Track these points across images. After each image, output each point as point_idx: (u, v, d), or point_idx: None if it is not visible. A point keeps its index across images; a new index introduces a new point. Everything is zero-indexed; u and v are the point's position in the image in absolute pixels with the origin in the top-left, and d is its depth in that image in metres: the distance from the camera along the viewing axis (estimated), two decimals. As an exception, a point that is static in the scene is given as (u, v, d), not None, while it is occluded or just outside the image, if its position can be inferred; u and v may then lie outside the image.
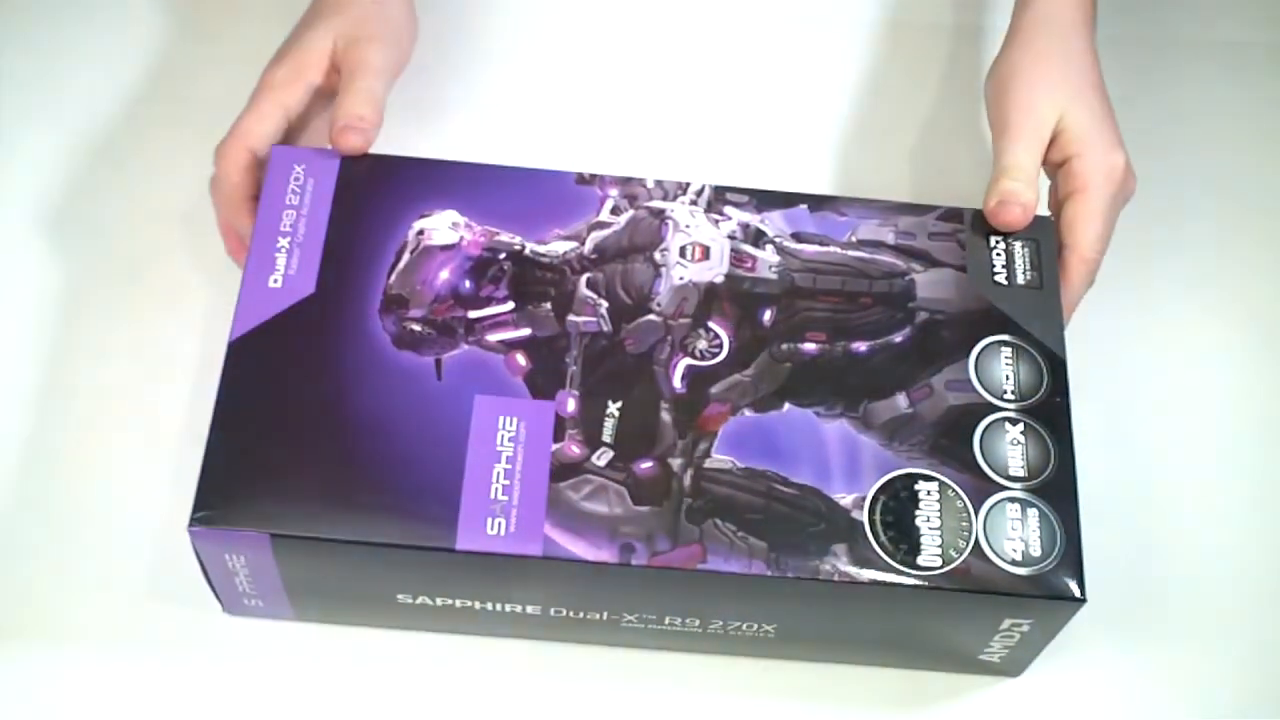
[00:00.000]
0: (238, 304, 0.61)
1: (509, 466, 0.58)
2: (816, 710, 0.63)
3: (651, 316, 0.62)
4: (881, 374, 0.62)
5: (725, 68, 0.80)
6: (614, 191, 0.65)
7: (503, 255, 0.63)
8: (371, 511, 0.57)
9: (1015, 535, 0.58)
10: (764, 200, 0.65)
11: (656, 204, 0.65)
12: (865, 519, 0.58)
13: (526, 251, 0.63)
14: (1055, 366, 0.62)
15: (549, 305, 0.62)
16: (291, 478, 0.57)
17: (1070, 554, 0.58)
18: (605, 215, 0.65)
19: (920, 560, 0.58)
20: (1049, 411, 0.61)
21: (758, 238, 0.64)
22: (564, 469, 0.58)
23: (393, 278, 0.62)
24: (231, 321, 0.60)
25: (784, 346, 0.62)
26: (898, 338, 0.63)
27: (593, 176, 0.66)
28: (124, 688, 0.62)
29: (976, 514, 0.59)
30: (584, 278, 0.63)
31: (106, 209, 0.73)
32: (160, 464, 0.66)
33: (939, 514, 0.59)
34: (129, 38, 0.78)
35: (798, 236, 0.65)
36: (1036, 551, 0.58)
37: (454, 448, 0.58)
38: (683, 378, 0.61)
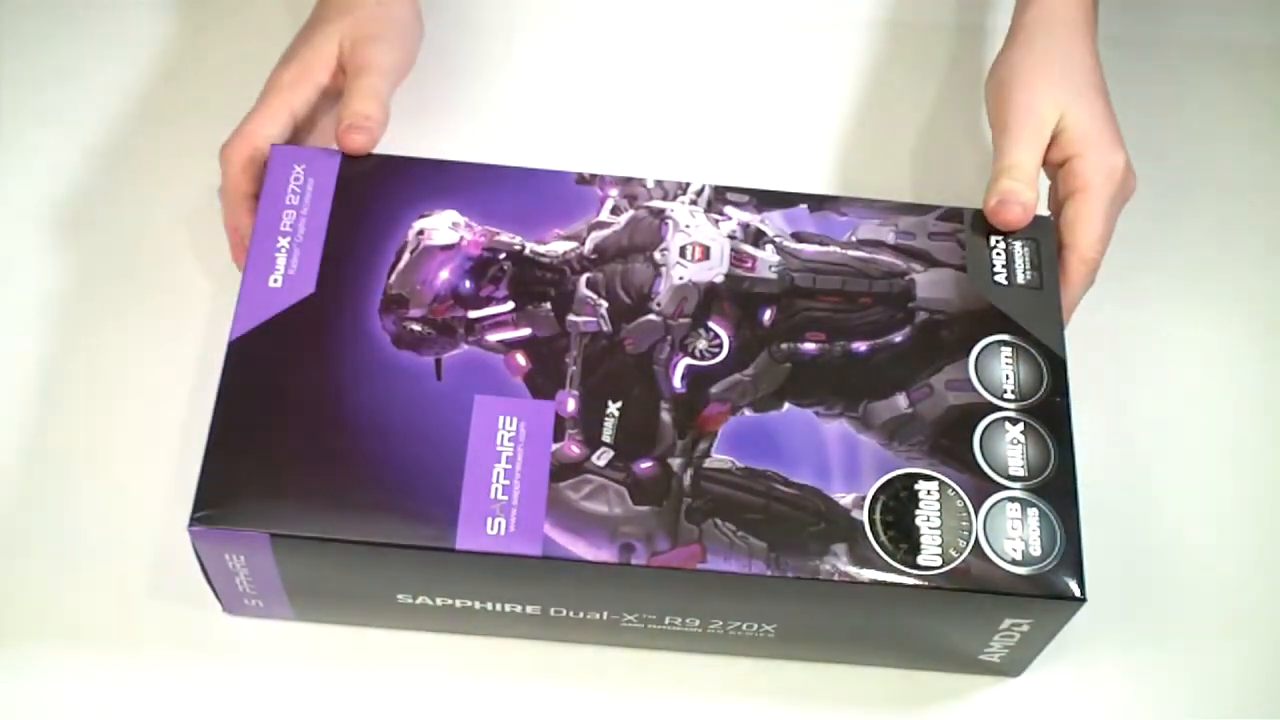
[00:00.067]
0: (238, 304, 0.61)
1: (509, 466, 0.58)
2: (816, 710, 0.63)
3: (651, 316, 0.62)
4: (881, 374, 0.62)
5: (725, 68, 0.80)
6: (614, 191, 0.65)
7: (503, 255, 0.63)
8: (371, 511, 0.57)
9: (1015, 535, 0.58)
10: (764, 200, 0.65)
11: (656, 204, 0.65)
12: (865, 519, 0.58)
13: (526, 251, 0.63)
14: (1055, 366, 0.62)
15: (549, 305, 0.62)
16: (291, 477, 0.57)
17: (1070, 554, 0.58)
18: (605, 215, 0.65)
19: (920, 560, 0.58)
20: (1049, 411, 0.61)
21: (758, 238, 0.64)
22: (564, 469, 0.58)
23: (393, 277, 0.62)
24: (231, 321, 0.60)
25: (784, 346, 0.62)
26: (898, 337, 0.63)
27: (593, 176, 0.66)
28: (124, 687, 0.62)
29: (976, 514, 0.59)
30: (584, 278, 0.63)
31: (109, 209, 0.73)
32: (160, 464, 0.66)
33: (939, 514, 0.59)
34: (133, 38, 0.78)
35: (798, 236, 0.65)
36: (1036, 551, 0.58)
37: (454, 448, 0.58)
38: (682, 377, 0.61)
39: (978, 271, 0.64)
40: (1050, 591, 0.57)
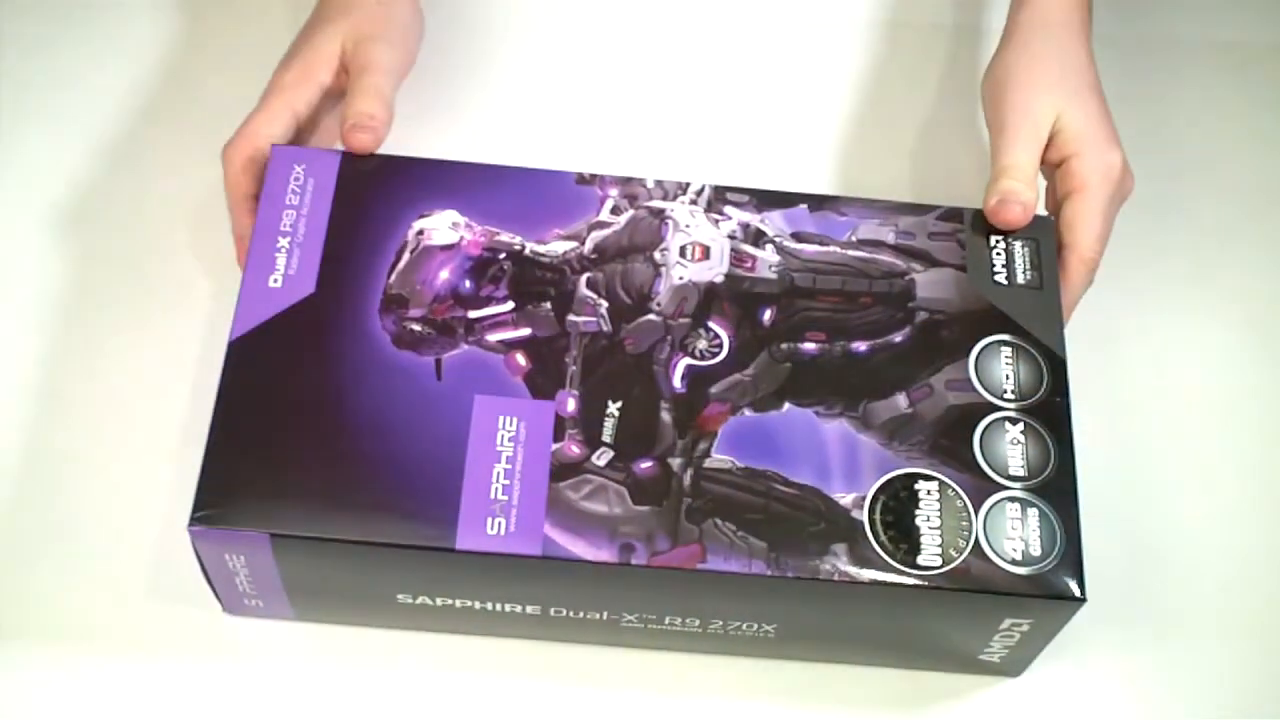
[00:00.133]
0: (238, 304, 0.61)
1: (509, 466, 0.58)
2: (816, 710, 0.63)
3: (651, 316, 0.62)
4: (881, 374, 0.62)
5: (725, 68, 0.80)
6: (614, 191, 0.65)
7: (502, 255, 0.63)
8: (371, 511, 0.57)
9: (1015, 535, 0.58)
10: (764, 200, 0.65)
11: (656, 204, 0.65)
12: (865, 519, 0.58)
13: (526, 251, 0.63)
14: (1055, 366, 0.62)
15: (549, 305, 0.62)
16: (291, 477, 0.57)
17: (1070, 553, 0.58)
18: (605, 215, 0.65)
19: (920, 560, 0.58)
20: (1049, 411, 0.61)
21: (758, 237, 0.64)
22: (564, 469, 0.58)
23: (393, 277, 0.62)
24: (231, 322, 0.60)
25: (784, 346, 0.62)
26: (898, 337, 0.62)
27: (593, 176, 0.66)
28: (124, 688, 0.62)
29: (976, 514, 0.59)
30: (584, 277, 0.63)
31: (109, 209, 0.73)
32: (161, 464, 0.66)
33: (939, 514, 0.59)
34: (133, 38, 0.78)
35: (798, 236, 0.65)
36: (1036, 551, 0.58)
37: (454, 448, 0.58)
38: (682, 377, 0.61)
39: (978, 271, 0.64)
40: (1050, 591, 0.57)
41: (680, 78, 0.79)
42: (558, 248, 0.64)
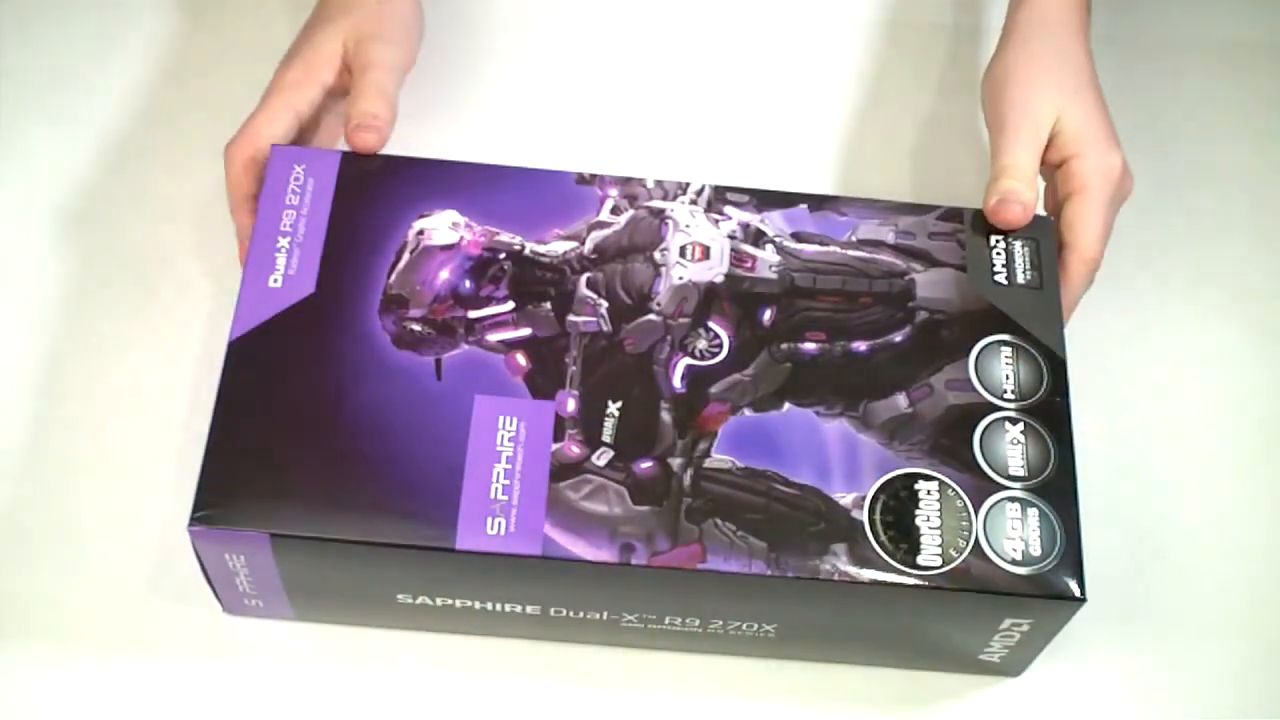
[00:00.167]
0: (238, 304, 0.61)
1: (509, 466, 0.58)
2: (816, 710, 0.63)
3: (651, 316, 0.62)
4: (881, 373, 0.62)
5: (725, 67, 0.80)
6: (614, 191, 0.65)
7: (502, 255, 0.63)
8: (371, 511, 0.57)
9: (1015, 535, 0.58)
10: (764, 200, 0.65)
11: (656, 204, 0.65)
12: (865, 519, 0.58)
13: (526, 251, 0.63)
14: (1055, 366, 0.62)
15: (549, 305, 0.62)
16: (291, 477, 0.57)
17: (1070, 553, 0.58)
18: (605, 215, 0.65)
19: (920, 560, 0.58)
20: (1049, 411, 0.61)
21: (758, 237, 0.64)
22: (564, 469, 0.58)
23: (393, 277, 0.62)
24: (231, 322, 0.60)
25: (784, 346, 0.62)
26: (898, 337, 0.62)
27: (592, 176, 0.66)
28: (124, 688, 0.62)
29: (976, 513, 0.59)
30: (584, 277, 0.63)
31: (110, 209, 0.73)
32: (161, 464, 0.66)
33: (939, 513, 0.59)
34: (134, 37, 0.78)
35: (798, 236, 0.65)
36: (1036, 551, 0.58)
37: (454, 448, 0.58)
38: (682, 377, 0.61)
39: (978, 271, 0.64)
40: (1050, 591, 0.57)
41: (680, 78, 0.79)
42: (558, 248, 0.64)
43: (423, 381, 0.60)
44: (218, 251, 0.70)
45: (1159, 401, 0.71)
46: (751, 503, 0.58)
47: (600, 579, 0.58)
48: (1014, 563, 0.58)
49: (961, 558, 0.58)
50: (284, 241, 0.62)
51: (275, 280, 0.61)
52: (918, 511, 0.59)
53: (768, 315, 0.63)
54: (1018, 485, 0.59)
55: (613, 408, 0.60)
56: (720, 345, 0.62)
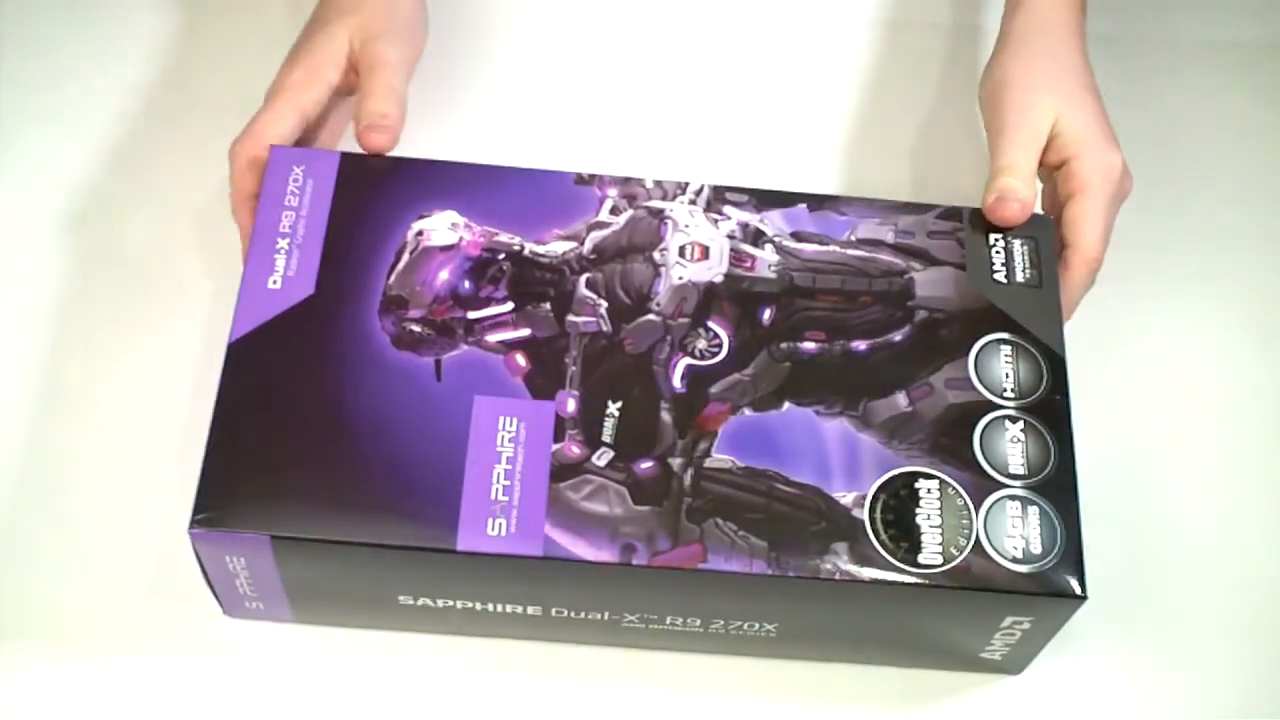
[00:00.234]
0: (237, 305, 0.61)
1: (509, 467, 0.58)
2: (818, 709, 0.63)
3: (651, 316, 0.62)
4: (881, 373, 0.62)
5: (724, 67, 0.80)
6: (613, 191, 0.65)
7: (502, 255, 0.63)
8: (372, 513, 0.57)
9: (1016, 533, 0.58)
10: (763, 200, 0.65)
11: (655, 204, 0.65)
12: (866, 517, 0.58)
13: (526, 252, 0.63)
14: (1054, 364, 0.62)
15: (548, 305, 0.62)
16: (292, 479, 0.57)
17: (1071, 551, 0.58)
18: (604, 215, 0.65)
19: (921, 558, 0.58)
20: (1049, 409, 0.61)
21: (757, 237, 0.64)
22: (564, 469, 0.58)
23: (392, 278, 0.62)
24: (231, 323, 0.60)
25: (783, 346, 0.62)
26: (897, 336, 0.63)
27: (591, 177, 0.65)
28: (124, 691, 0.62)
29: (977, 512, 0.59)
30: (583, 278, 0.63)
31: (111, 208, 0.73)
32: (161, 465, 0.66)
33: (939, 512, 0.59)
34: (134, 37, 0.78)
35: (797, 236, 0.65)
36: (1037, 549, 0.58)
37: (454, 448, 0.58)
38: (682, 377, 0.61)
39: (977, 270, 0.64)
40: (1051, 589, 0.57)
41: (679, 77, 0.79)
42: (557, 248, 0.63)
43: (422, 382, 0.60)
44: (218, 251, 0.70)
45: (1159, 400, 0.71)
46: (752, 502, 0.58)
47: (601, 579, 0.58)
48: (1015, 561, 0.58)
49: (962, 556, 0.58)
50: (283, 243, 0.62)
51: (274, 281, 0.61)
52: (918, 510, 0.59)
53: (767, 315, 0.63)
54: (1018, 483, 0.59)
55: (613, 408, 0.60)
56: (720, 345, 0.62)
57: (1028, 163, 0.66)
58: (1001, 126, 0.68)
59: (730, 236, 0.64)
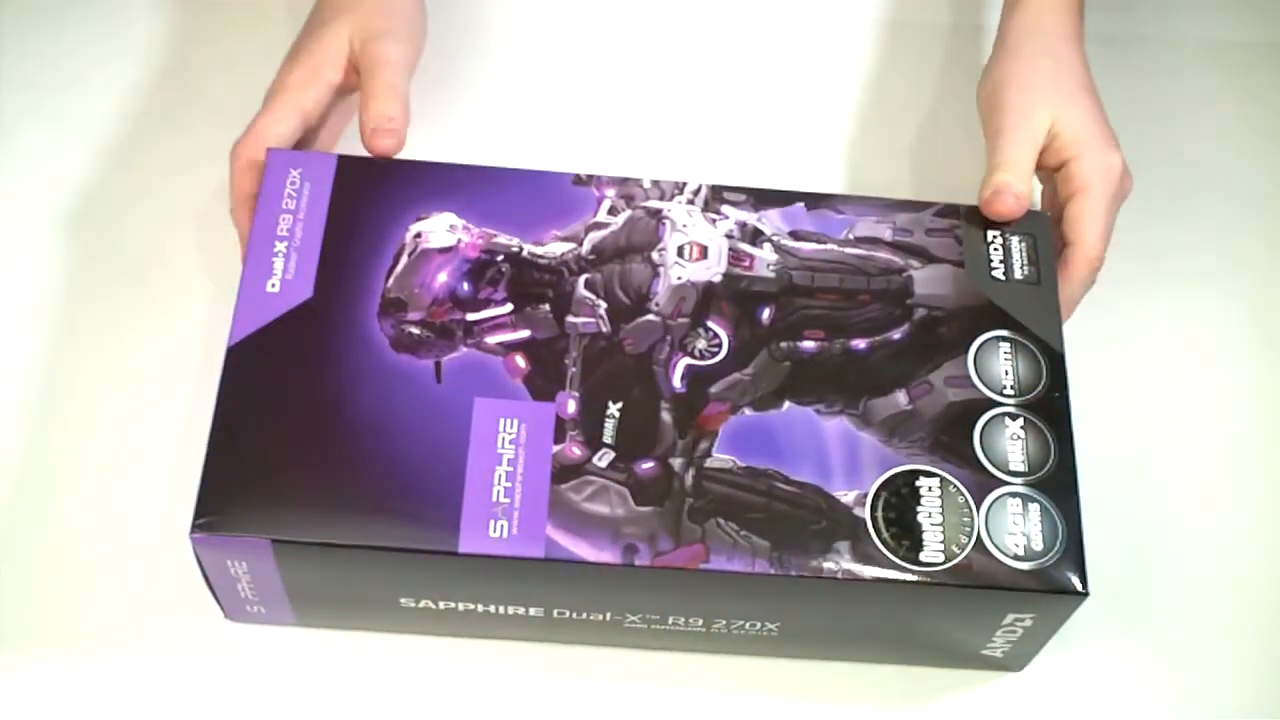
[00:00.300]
0: (235, 309, 0.60)
1: (510, 469, 0.58)
2: (819, 708, 0.63)
3: (650, 316, 0.62)
4: (881, 371, 0.62)
5: (722, 67, 0.80)
6: (611, 192, 0.65)
7: (500, 257, 0.63)
8: (373, 515, 0.57)
9: (1017, 530, 0.58)
10: (761, 199, 0.65)
11: (653, 204, 0.65)
12: (867, 516, 0.58)
13: (524, 253, 0.63)
14: (1054, 361, 0.62)
15: (547, 306, 0.62)
16: (293, 483, 0.57)
17: (1072, 548, 0.58)
18: (602, 216, 0.64)
19: (923, 556, 0.58)
20: (1048, 406, 0.61)
21: (755, 236, 0.64)
22: (565, 470, 0.58)
23: (390, 281, 0.62)
24: (229, 326, 0.60)
25: (783, 345, 0.62)
26: (896, 334, 0.63)
27: (589, 177, 0.65)
28: (125, 696, 0.62)
29: (978, 509, 0.59)
30: (582, 278, 0.63)
31: (110, 208, 0.73)
32: (161, 469, 0.66)
33: (940, 510, 0.59)
34: (133, 37, 0.78)
35: (795, 234, 0.65)
36: (1038, 546, 0.58)
37: (455, 450, 0.58)
38: (682, 377, 0.61)
39: (975, 267, 0.64)
40: (1052, 586, 0.58)
41: (677, 77, 0.79)
42: (555, 249, 0.63)
43: (422, 384, 0.60)
44: (218, 251, 0.69)
45: (1160, 398, 0.71)
46: (753, 502, 0.58)
47: (603, 580, 0.58)
48: (1016, 558, 0.58)
49: (964, 554, 0.58)
50: (281, 246, 0.62)
51: (273, 285, 0.61)
52: (919, 508, 0.59)
53: (766, 314, 0.63)
54: (1018, 481, 0.59)
55: (613, 408, 0.60)
56: (719, 345, 0.62)
57: (1024, 160, 0.66)
58: (999, 127, 0.68)
59: (728, 236, 0.64)
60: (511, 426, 0.59)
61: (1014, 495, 0.59)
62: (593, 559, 0.57)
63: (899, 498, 0.59)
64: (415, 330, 0.61)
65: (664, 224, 0.64)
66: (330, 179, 0.64)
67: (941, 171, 0.76)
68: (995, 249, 0.65)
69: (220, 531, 0.56)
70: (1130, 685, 0.65)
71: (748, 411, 0.60)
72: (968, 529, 0.58)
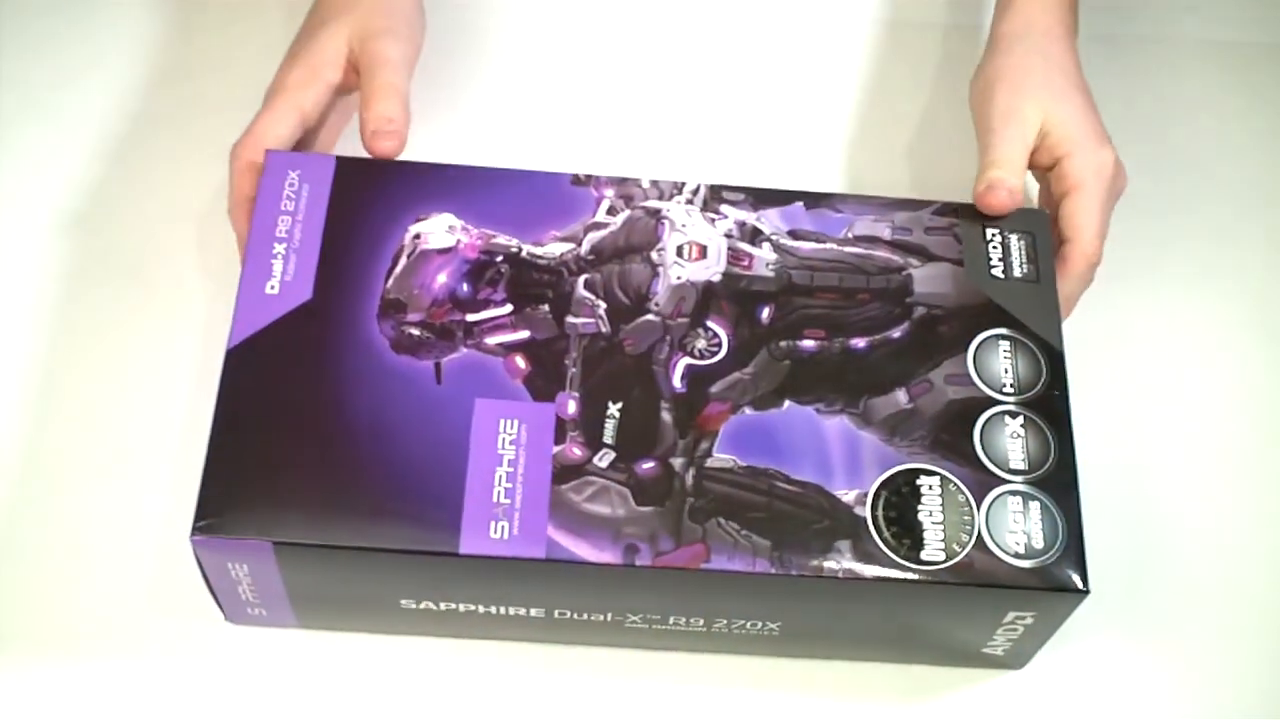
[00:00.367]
0: (235, 311, 0.60)
1: (510, 470, 0.58)
2: (820, 706, 0.63)
3: (650, 316, 0.62)
4: (880, 370, 0.62)
5: (721, 67, 0.80)
6: (609, 192, 0.65)
7: (499, 258, 0.63)
8: (374, 517, 0.57)
9: (1017, 528, 0.58)
10: (760, 198, 0.65)
11: (652, 204, 0.65)
12: (868, 515, 0.58)
13: (523, 253, 0.63)
14: (1053, 359, 0.62)
15: (547, 307, 0.62)
16: (293, 485, 0.57)
17: (1072, 546, 0.58)
18: (601, 216, 0.64)
19: (923, 555, 0.58)
20: (1048, 404, 0.61)
21: (754, 236, 0.64)
22: (566, 471, 0.58)
23: (390, 282, 0.62)
24: (229, 328, 0.60)
25: (783, 344, 0.62)
26: (896, 333, 0.63)
27: (588, 177, 0.65)
28: (125, 700, 0.62)
29: (978, 508, 0.59)
30: (581, 279, 0.63)
31: (110, 209, 0.73)
32: (161, 470, 0.66)
33: (941, 508, 0.59)
34: (133, 38, 0.78)
35: (794, 234, 0.65)
36: (1039, 544, 0.58)
37: (455, 451, 0.58)
38: (682, 377, 0.61)
39: (974, 266, 0.64)
40: (1053, 584, 0.58)
41: (676, 77, 0.79)
42: (554, 249, 0.63)
43: (422, 386, 0.60)
44: (218, 251, 0.69)
45: (1160, 396, 0.71)
46: (754, 501, 0.58)
47: (604, 581, 0.58)
48: (1017, 556, 0.58)
49: (965, 552, 0.58)
50: (280, 248, 0.62)
51: (272, 287, 0.61)
52: (920, 507, 0.59)
53: (766, 313, 0.63)
54: (1019, 479, 0.59)
55: (613, 409, 0.60)
56: (719, 344, 0.62)
57: (1016, 156, 0.66)
58: (990, 125, 0.68)
59: (727, 235, 0.64)
60: (512, 427, 0.59)
61: (1014, 493, 0.59)
62: (594, 559, 0.57)
63: (899, 496, 0.59)
64: (415, 331, 0.61)
65: (663, 224, 0.64)
66: (329, 180, 0.64)
67: (940, 171, 0.76)
68: (994, 247, 0.65)
69: (221, 534, 0.56)
70: (1131, 683, 0.65)
71: (748, 411, 0.60)
72: (968, 527, 0.58)
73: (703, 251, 0.64)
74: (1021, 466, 0.60)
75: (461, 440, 0.58)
